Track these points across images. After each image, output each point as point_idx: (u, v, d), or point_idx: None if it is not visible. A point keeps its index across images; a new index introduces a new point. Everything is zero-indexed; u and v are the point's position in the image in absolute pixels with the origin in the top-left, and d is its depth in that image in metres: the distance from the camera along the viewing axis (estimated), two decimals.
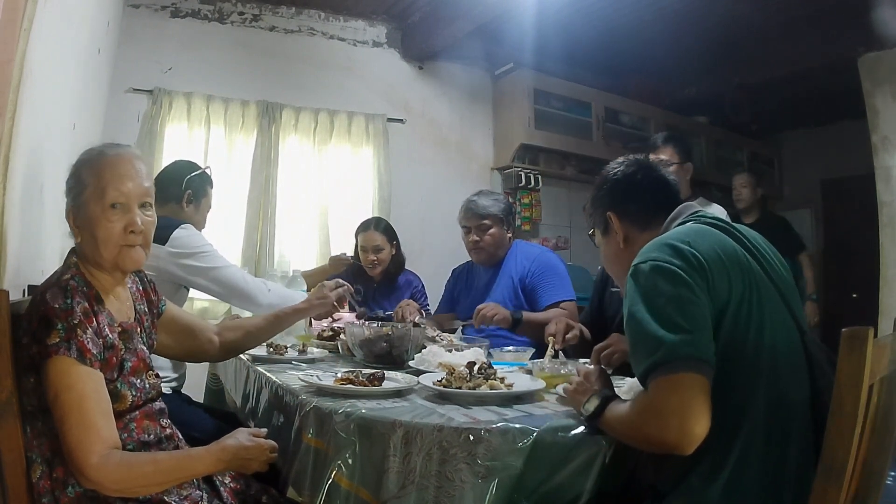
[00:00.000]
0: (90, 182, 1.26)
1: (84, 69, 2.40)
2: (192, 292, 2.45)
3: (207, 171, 2.36)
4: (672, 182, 1.45)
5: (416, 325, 2.20)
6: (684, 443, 1.03)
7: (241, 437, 1.25)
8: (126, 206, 1.27)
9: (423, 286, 3.16)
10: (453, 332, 2.44)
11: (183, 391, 2.24)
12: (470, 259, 2.85)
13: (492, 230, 2.68)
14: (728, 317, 1.12)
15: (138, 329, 1.36)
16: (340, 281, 1.94)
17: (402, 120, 4.47)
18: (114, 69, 3.49)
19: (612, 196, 1.44)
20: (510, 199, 2.88)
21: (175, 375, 2.14)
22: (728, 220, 1.34)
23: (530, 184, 4.59)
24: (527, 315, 2.45)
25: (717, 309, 1.12)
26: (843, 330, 0.95)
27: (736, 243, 1.22)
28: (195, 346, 1.61)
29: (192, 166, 2.31)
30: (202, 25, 3.97)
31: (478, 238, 2.69)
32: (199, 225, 2.32)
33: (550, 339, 1.98)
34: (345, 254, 3.04)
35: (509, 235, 2.75)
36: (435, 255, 4.11)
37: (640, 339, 1.11)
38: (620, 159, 1.51)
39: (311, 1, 4.19)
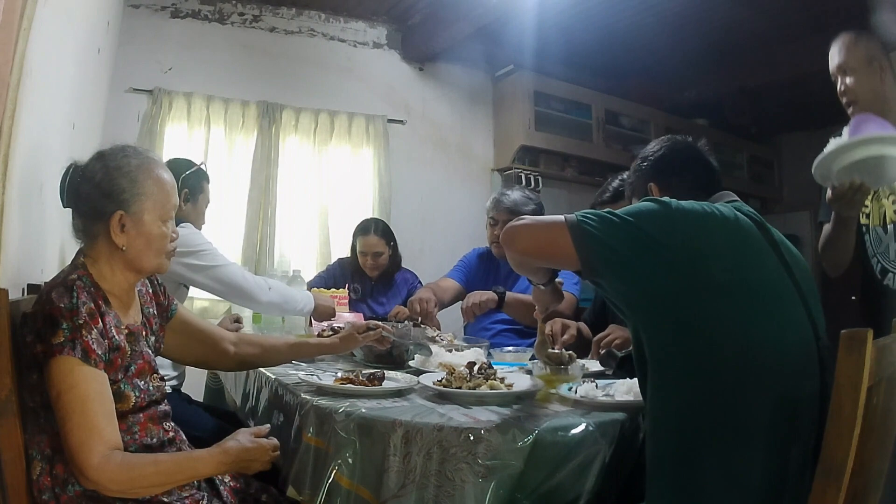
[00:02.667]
0: (152, 192, 1.29)
1: (84, 69, 2.40)
2: (192, 292, 2.45)
3: (203, 167, 2.36)
4: (715, 167, 1.49)
5: (416, 324, 2.20)
6: (510, 240, 1.29)
7: (242, 438, 1.25)
8: (172, 217, 1.35)
9: (420, 285, 3.17)
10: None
11: (183, 390, 2.24)
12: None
13: None
14: (730, 302, 1.13)
15: (145, 332, 1.36)
16: (373, 323, 1.82)
17: (402, 121, 4.47)
18: (114, 69, 3.48)
19: (656, 169, 1.50)
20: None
21: (174, 374, 2.14)
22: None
23: (530, 185, 4.59)
24: (511, 294, 2.45)
25: (710, 290, 1.13)
26: (843, 331, 0.95)
27: (762, 235, 1.24)
28: (207, 353, 1.58)
29: (187, 164, 2.31)
30: (202, 26, 3.97)
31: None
32: (198, 222, 2.32)
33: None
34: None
35: None
36: (435, 256, 4.11)
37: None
38: (664, 137, 1.58)
39: (311, 2, 4.19)
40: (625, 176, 2.25)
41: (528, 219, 1.30)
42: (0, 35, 1.24)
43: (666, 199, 1.23)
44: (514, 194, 2.70)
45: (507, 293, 2.44)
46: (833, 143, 1.61)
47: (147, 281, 1.45)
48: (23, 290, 1.52)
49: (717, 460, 1.09)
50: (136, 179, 1.27)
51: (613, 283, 1.23)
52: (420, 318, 2.38)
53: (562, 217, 1.21)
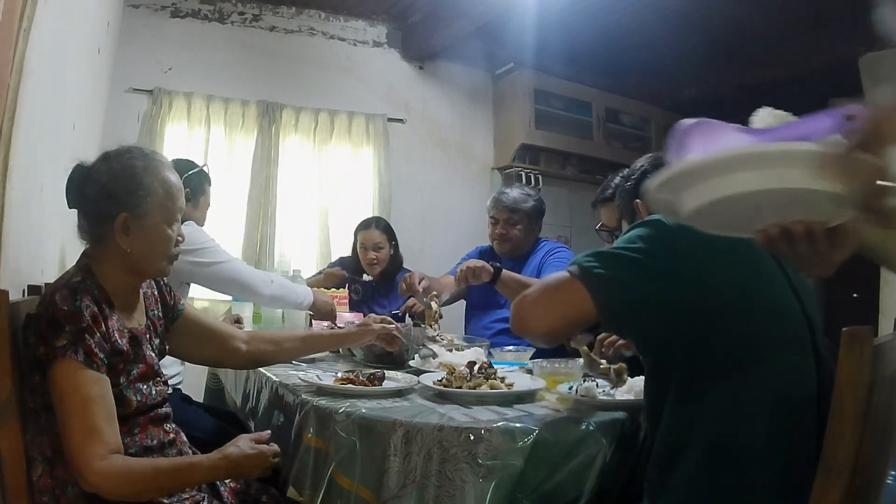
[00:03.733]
0: (159, 192, 1.28)
1: (84, 69, 2.40)
2: (193, 292, 2.45)
3: (205, 168, 2.37)
4: None
5: (416, 324, 2.20)
6: (525, 324, 1.16)
7: (242, 444, 1.24)
8: (178, 219, 1.34)
9: None
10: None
11: (183, 391, 2.24)
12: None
13: (519, 225, 2.69)
14: (728, 308, 1.12)
15: (148, 335, 1.35)
16: (388, 318, 1.82)
17: (402, 120, 4.47)
18: (114, 69, 3.48)
19: (639, 187, 1.50)
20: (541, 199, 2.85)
21: (169, 375, 2.14)
22: None
23: (531, 183, 4.59)
24: (509, 273, 2.44)
25: (714, 298, 1.12)
26: (844, 330, 0.95)
27: None
28: (216, 352, 1.57)
29: (189, 165, 2.31)
30: (202, 25, 3.97)
31: (504, 231, 2.70)
32: (199, 223, 2.33)
33: None
34: (340, 269, 3.02)
35: (537, 234, 2.75)
36: (435, 255, 4.11)
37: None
38: (650, 155, 1.59)
39: (311, 1, 4.19)
40: (625, 173, 2.24)
41: (531, 294, 1.17)
42: (0, 35, 1.24)
43: (654, 217, 1.20)
44: (514, 192, 2.72)
45: (505, 271, 2.42)
46: (688, 163, 0.91)
47: (152, 282, 1.44)
48: (23, 290, 1.52)
49: (717, 461, 1.09)
50: (141, 181, 1.27)
51: (634, 324, 1.18)
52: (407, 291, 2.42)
53: (565, 273, 1.15)
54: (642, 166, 1.54)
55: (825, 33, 4.04)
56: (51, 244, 1.84)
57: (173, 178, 1.33)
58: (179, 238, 1.35)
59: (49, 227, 1.78)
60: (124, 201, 1.25)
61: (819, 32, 4.06)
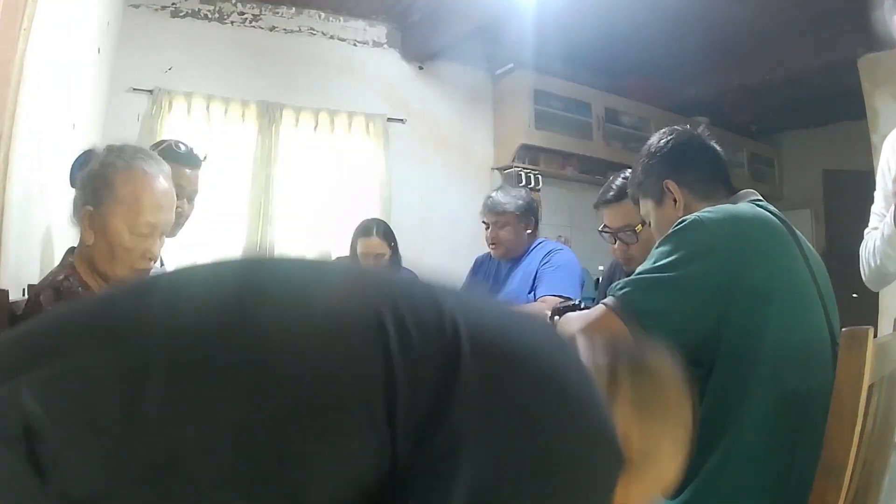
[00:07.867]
0: (125, 197, 1.26)
1: (84, 69, 2.40)
2: None
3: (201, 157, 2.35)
4: (721, 153, 1.41)
5: None
6: None
7: None
8: (151, 234, 1.29)
9: None
10: None
11: None
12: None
13: (507, 227, 2.69)
14: (759, 307, 1.11)
15: None
16: None
17: (402, 120, 4.47)
18: (114, 69, 3.48)
19: (669, 164, 1.38)
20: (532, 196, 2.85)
21: None
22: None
23: (530, 184, 4.59)
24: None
25: (750, 296, 1.11)
26: (843, 329, 0.95)
27: (791, 237, 1.22)
28: None
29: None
30: (202, 25, 3.97)
31: (494, 234, 2.71)
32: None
33: None
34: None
35: (528, 231, 2.73)
36: (435, 256, 4.10)
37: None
38: (665, 130, 1.46)
39: (311, 1, 4.18)
40: (627, 174, 2.23)
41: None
42: (1, 34, 1.24)
43: (692, 217, 1.17)
44: (500, 196, 2.73)
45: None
46: None
47: None
48: (23, 290, 1.52)
49: (720, 457, 1.09)
50: (113, 181, 1.26)
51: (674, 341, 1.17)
52: None
53: (601, 307, 1.13)
54: (667, 143, 1.40)
55: (825, 33, 4.04)
56: (51, 244, 1.84)
57: (156, 193, 1.29)
58: (149, 255, 1.29)
59: (49, 227, 1.78)
60: (92, 195, 1.26)
61: (818, 32, 4.06)
